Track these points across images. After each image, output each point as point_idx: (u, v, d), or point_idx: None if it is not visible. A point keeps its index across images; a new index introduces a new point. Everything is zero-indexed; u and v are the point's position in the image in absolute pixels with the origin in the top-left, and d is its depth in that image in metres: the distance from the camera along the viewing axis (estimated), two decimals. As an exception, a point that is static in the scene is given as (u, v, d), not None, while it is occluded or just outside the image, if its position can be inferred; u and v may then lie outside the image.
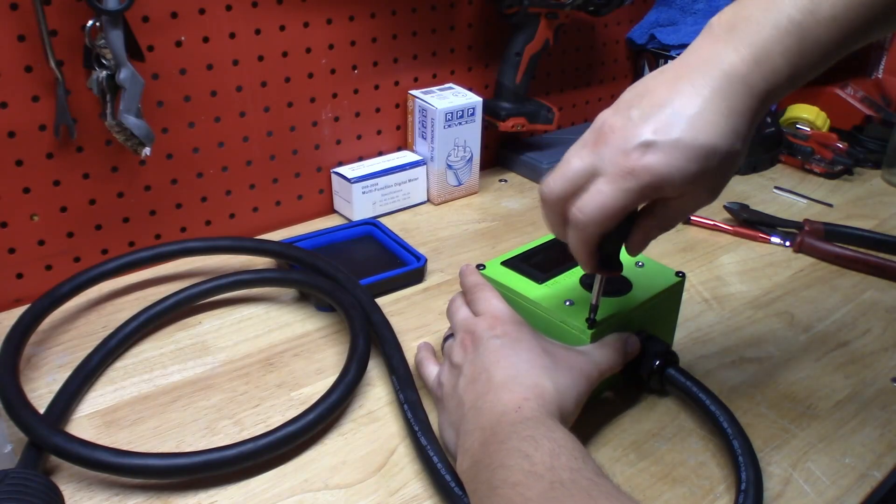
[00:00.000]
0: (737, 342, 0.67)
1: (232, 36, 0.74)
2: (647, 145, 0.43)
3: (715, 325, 0.69)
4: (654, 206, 0.48)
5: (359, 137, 0.88)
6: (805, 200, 0.94)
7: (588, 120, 0.46)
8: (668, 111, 0.44)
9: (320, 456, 0.53)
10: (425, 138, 0.88)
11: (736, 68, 0.44)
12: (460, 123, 0.88)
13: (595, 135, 0.46)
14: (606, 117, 0.46)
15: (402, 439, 0.55)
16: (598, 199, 0.45)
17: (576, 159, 0.46)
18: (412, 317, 0.69)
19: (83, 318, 0.68)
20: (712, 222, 0.86)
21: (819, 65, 0.45)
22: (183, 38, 0.71)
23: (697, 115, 0.43)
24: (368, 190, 0.85)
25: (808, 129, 1.06)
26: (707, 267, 0.79)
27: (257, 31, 0.76)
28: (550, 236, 0.63)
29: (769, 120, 1.02)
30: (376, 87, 0.87)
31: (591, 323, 0.55)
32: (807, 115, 1.07)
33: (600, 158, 0.45)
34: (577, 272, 0.61)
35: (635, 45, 1.10)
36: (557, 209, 0.48)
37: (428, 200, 0.91)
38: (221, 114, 0.76)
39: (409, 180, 0.88)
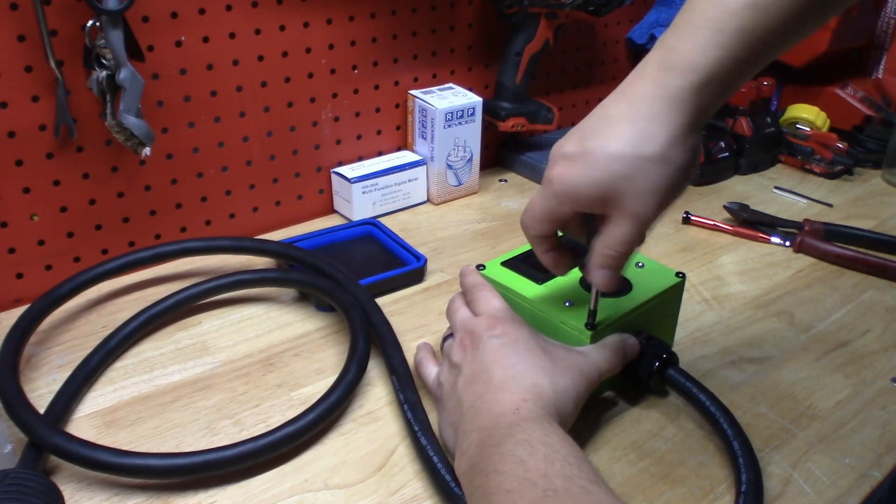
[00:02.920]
0: (737, 342, 0.67)
1: (232, 36, 0.74)
2: (566, 157, 0.48)
3: (715, 325, 0.69)
4: (601, 226, 0.50)
5: (359, 137, 0.88)
6: (805, 200, 0.94)
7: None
8: (588, 123, 0.48)
9: (320, 456, 0.53)
10: (425, 138, 0.89)
11: (647, 73, 0.46)
12: (460, 123, 0.88)
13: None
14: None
15: (402, 439, 0.55)
16: (529, 205, 0.52)
17: (537, 195, 0.52)
18: (412, 317, 0.69)
19: (83, 318, 0.68)
20: (712, 222, 0.86)
21: (762, 59, 0.45)
22: (183, 38, 0.71)
23: (608, 121, 0.47)
24: (368, 190, 0.85)
25: (808, 129, 1.06)
26: (707, 267, 0.79)
27: (257, 31, 0.76)
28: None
29: (769, 120, 1.02)
30: (376, 87, 0.87)
31: (591, 325, 0.55)
32: (807, 115, 1.07)
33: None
34: (576, 273, 0.61)
35: (635, 45, 1.10)
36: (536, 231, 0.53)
37: (428, 200, 0.91)
38: (221, 114, 0.76)
39: (409, 180, 0.88)
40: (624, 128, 0.46)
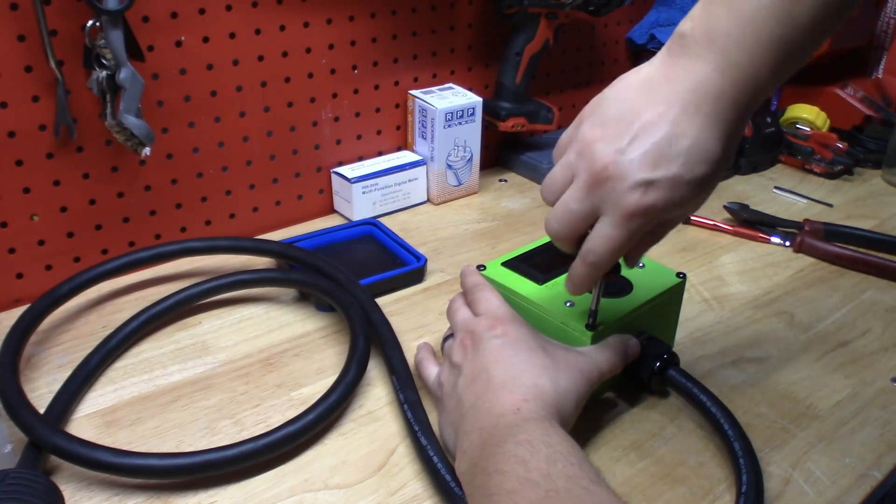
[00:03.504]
0: (737, 342, 0.67)
1: (232, 36, 0.74)
2: (647, 184, 0.44)
3: (715, 325, 0.69)
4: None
5: (359, 137, 0.88)
6: (805, 200, 0.94)
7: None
8: (663, 144, 0.44)
9: (320, 456, 0.53)
10: (425, 138, 0.88)
11: (725, 92, 0.44)
12: (460, 123, 0.88)
13: (587, 170, 0.46)
14: (594, 145, 0.45)
15: (402, 439, 0.55)
16: (607, 243, 0.47)
17: (574, 203, 0.47)
18: (412, 317, 0.69)
19: (83, 318, 0.68)
20: (712, 222, 0.86)
21: (799, 66, 0.45)
22: (183, 38, 0.71)
23: (693, 146, 0.44)
24: (368, 190, 0.85)
25: (808, 129, 1.06)
26: (707, 267, 0.79)
27: (257, 31, 0.76)
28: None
29: (769, 120, 1.02)
30: (376, 87, 0.87)
31: (592, 325, 0.55)
32: (807, 115, 1.07)
33: (600, 200, 0.46)
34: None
35: (635, 45, 1.10)
36: (567, 244, 0.50)
37: (428, 200, 0.91)
38: (221, 114, 0.76)
39: (409, 180, 0.88)
40: (712, 146, 0.45)
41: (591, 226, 0.48)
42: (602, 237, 0.47)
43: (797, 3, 0.41)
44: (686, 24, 0.45)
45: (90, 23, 0.64)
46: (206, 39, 0.73)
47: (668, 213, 0.46)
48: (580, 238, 0.49)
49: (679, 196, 0.45)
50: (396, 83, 0.89)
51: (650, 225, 0.47)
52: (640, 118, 0.44)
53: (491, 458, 0.43)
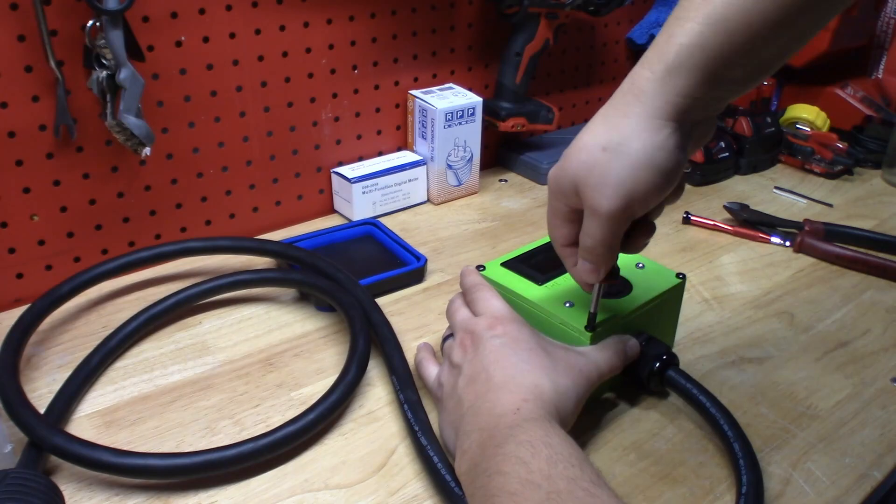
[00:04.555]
0: (737, 342, 0.67)
1: (232, 36, 0.74)
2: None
3: (715, 325, 0.69)
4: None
5: (359, 137, 0.88)
6: (805, 200, 0.94)
7: (588, 120, 0.46)
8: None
9: (320, 456, 0.53)
10: (425, 138, 0.88)
11: (639, 73, 0.45)
12: (460, 123, 0.88)
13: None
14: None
15: (402, 439, 0.55)
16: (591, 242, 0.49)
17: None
18: (412, 317, 0.69)
19: (83, 318, 0.68)
20: (712, 222, 0.86)
21: (745, 68, 0.44)
22: (183, 38, 0.71)
23: (592, 121, 0.47)
24: (368, 190, 0.85)
25: (808, 129, 1.06)
26: (707, 267, 0.79)
27: (257, 31, 0.76)
28: (550, 236, 0.63)
29: (769, 120, 1.02)
30: (376, 87, 0.87)
31: (591, 326, 0.55)
32: (807, 115, 1.07)
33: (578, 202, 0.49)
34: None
35: (635, 45, 1.10)
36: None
37: (428, 200, 0.91)
38: (221, 114, 0.76)
39: (409, 180, 0.88)
40: (596, 121, 0.47)
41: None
42: (584, 235, 0.49)
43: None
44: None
45: (90, 23, 0.64)
46: (206, 39, 0.73)
47: (563, 182, 0.48)
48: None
49: (567, 162, 0.47)
50: (396, 83, 0.89)
51: (555, 195, 0.49)
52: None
53: (491, 459, 0.43)
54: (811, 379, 0.62)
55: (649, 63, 0.45)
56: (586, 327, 0.55)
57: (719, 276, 0.77)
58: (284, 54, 0.78)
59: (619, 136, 0.45)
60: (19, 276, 0.70)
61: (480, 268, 0.62)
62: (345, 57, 0.83)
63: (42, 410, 0.54)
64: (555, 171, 0.49)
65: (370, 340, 0.61)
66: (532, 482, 0.40)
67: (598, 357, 0.53)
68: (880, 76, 1.17)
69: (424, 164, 0.89)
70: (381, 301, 0.69)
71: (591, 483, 0.40)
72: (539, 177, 0.97)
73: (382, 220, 0.85)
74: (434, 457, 0.50)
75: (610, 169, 0.45)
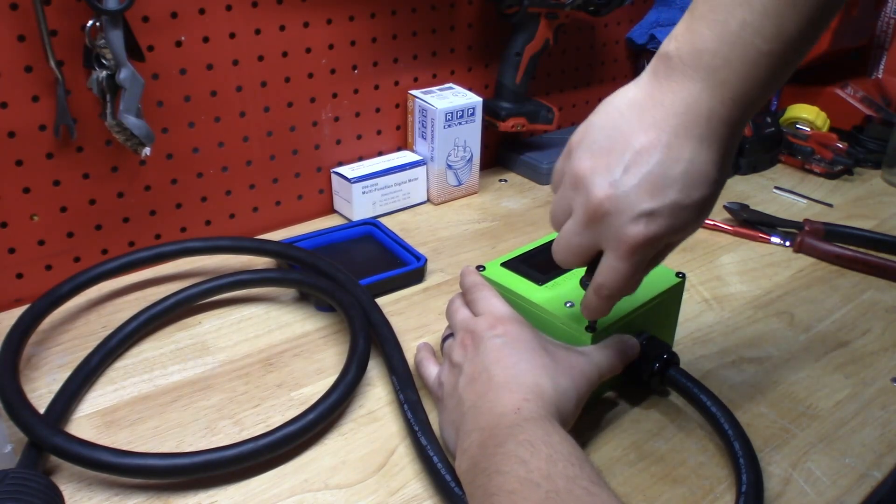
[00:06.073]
0: (737, 342, 0.67)
1: (232, 36, 0.74)
2: (647, 215, 0.44)
3: (715, 325, 0.69)
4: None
5: (359, 137, 0.88)
6: (805, 200, 0.94)
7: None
8: (658, 171, 0.43)
9: (320, 456, 0.53)
10: (425, 138, 0.88)
11: (716, 111, 0.43)
12: (460, 123, 0.88)
13: (584, 206, 0.46)
14: (587, 178, 0.45)
15: (402, 439, 0.55)
16: (615, 276, 0.47)
17: (574, 238, 0.48)
18: (412, 317, 0.69)
19: (83, 318, 0.68)
20: (712, 222, 0.86)
21: (790, 75, 0.44)
22: (183, 38, 0.71)
23: (688, 170, 0.43)
24: (368, 190, 0.85)
25: (808, 129, 1.06)
26: (707, 267, 0.79)
27: (257, 31, 0.76)
28: (550, 237, 0.63)
29: (769, 120, 1.02)
30: (376, 87, 0.87)
31: (591, 326, 0.55)
32: (807, 115, 1.07)
33: (601, 236, 0.46)
34: (577, 273, 0.61)
35: (635, 45, 1.10)
36: (576, 266, 0.51)
37: (428, 200, 0.91)
38: (221, 114, 0.76)
39: (409, 180, 0.88)
40: (708, 170, 0.44)
41: (599, 252, 0.48)
42: (611, 271, 0.47)
43: (783, 19, 0.40)
44: (670, 45, 0.43)
45: (90, 23, 0.64)
46: (206, 39, 0.73)
47: (671, 239, 0.46)
48: (589, 260, 0.49)
49: (681, 221, 0.44)
50: (396, 83, 0.89)
51: (655, 251, 0.47)
52: (632, 146, 0.44)
53: (491, 458, 0.43)
54: (811, 379, 0.62)
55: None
56: (587, 327, 0.55)
57: (719, 275, 0.77)
58: (284, 54, 0.78)
59: (727, 173, 0.46)
60: (19, 276, 0.70)
61: (480, 268, 0.62)
62: (345, 57, 0.83)
63: (42, 410, 0.54)
64: (662, 233, 0.45)
65: (370, 340, 0.61)
66: (531, 481, 0.40)
67: (598, 357, 0.53)
68: (880, 76, 1.17)
69: (424, 164, 0.89)
70: (381, 301, 0.69)
71: (591, 482, 0.40)
72: (539, 177, 0.97)
73: (382, 220, 0.85)
74: (434, 457, 0.50)
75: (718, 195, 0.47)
